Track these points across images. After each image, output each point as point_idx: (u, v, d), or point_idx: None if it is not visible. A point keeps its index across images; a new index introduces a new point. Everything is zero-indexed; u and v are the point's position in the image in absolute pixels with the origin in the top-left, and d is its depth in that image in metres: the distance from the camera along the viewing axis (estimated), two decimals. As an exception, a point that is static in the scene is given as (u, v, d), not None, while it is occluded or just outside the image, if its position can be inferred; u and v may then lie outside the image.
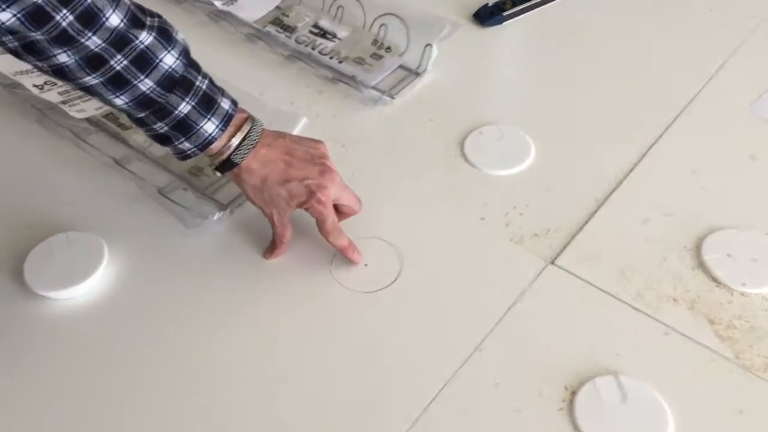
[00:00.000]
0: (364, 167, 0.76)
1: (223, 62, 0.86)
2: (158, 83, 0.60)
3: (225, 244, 0.71)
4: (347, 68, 0.87)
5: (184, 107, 0.61)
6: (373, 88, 0.85)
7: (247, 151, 0.64)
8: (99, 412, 0.59)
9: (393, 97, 0.84)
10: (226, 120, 0.63)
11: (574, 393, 0.58)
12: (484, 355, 0.61)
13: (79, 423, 0.58)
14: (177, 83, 0.61)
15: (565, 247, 0.69)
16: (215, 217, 0.71)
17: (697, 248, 0.68)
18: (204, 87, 0.62)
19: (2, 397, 0.60)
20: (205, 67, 0.65)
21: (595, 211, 0.72)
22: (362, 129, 0.82)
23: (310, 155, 0.67)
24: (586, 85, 0.86)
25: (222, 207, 0.72)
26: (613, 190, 0.73)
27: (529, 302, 0.65)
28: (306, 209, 0.66)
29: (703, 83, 0.84)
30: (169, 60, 0.60)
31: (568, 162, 0.77)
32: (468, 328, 0.63)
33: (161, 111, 0.61)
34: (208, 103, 0.62)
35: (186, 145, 0.63)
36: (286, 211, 0.66)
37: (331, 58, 0.88)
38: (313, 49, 0.89)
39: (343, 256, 0.67)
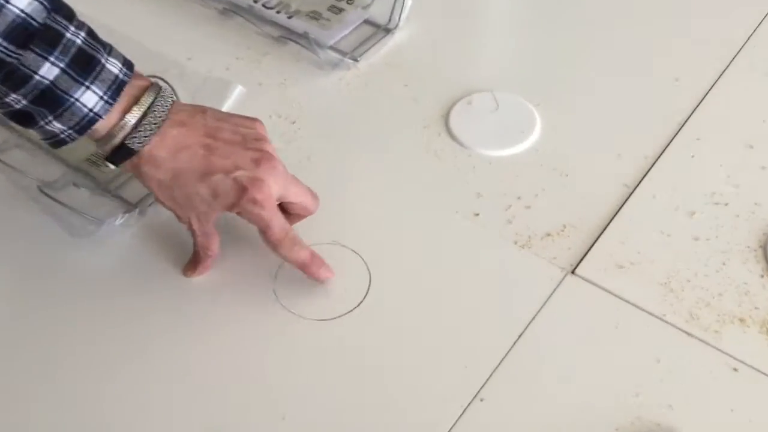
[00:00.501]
0: (320, 150, 0.59)
1: (138, 18, 0.69)
2: (5, 35, 0.41)
3: (132, 258, 0.52)
4: (298, 24, 0.69)
5: (49, 71, 0.43)
6: (332, 48, 0.67)
7: (149, 133, 0.46)
8: None
9: (357, 60, 0.66)
10: (116, 88, 0.45)
11: (614, 462, 0.42)
12: (484, 406, 0.44)
13: None
14: (35, 35, 0.42)
15: (588, 251, 0.51)
16: (118, 221, 0.53)
17: (765, 248, 0.51)
18: (78, 41, 0.44)
19: None
20: (102, 20, 0.48)
21: (625, 201, 0.54)
22: (318, 101, 0.64)
23: (241, 137, 0.49)
24: (603, 38, 0.68)
25: (129, 207, 0.54)
26: (647, 172, 0.56)
27: (543, 329, 0.48)
28: (238, 213, 0.48)
29: (755, 24, 0.67)
30: (20, 1, 0.41)
31: (585, 137, 0.60)
32: (462, 368, 0.46)
33: (14, 77, 0.42)
34: (85, 65, 0.44)
35: (56, 125, 0.45)
36: (209, 215, 0.48)
37: (278, 12, 0.70)
38: (255, 1, 0.71)
39: (306, 274, 0.50)
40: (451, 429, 0.43)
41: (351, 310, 0.49)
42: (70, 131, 0.45)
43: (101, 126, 0.45)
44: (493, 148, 0.59)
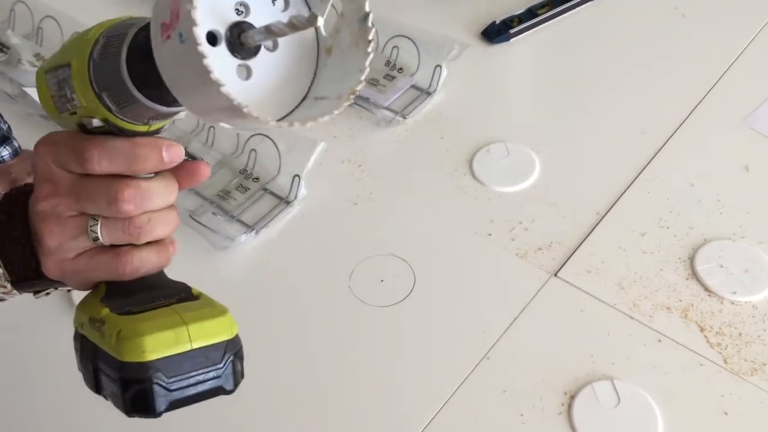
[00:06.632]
0: (380, 186, 0.82)
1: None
2: None
3: (250, 265, 0.77)
4: (362, 90, 0.92)
5: None
6: (387, 108, 0.90)
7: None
8: None
9: (405, 117, 0.89)
10: None
11: (572, 397, 0.64)
12: (491, 363, 0.67)
13: None
14: None
15: (567, 260, 0.74)
16: (242, 239, 0.78)
17: (691, 259, 0.72)
18: None
19: None
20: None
21: (596, 225, 0.76)
22: (377, 149, 0.87)
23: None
24: (589, 100, 0.90)
25: (248, 228, 0.79)
26: (614, 204, 0.78)
27: (533, 313, 0.70)
28: None
29: (701, 96, 0.88)
30: None
31: (571, 177, 0.82)
32: (476, 337, 0.69)
33: None
34: None
35: None
36: None
37: (347, 80, 0.93)
38: (329, 72, 0.95)
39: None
40: (466, 378, 0.66)
41: (402, 300, 0.72)
42: None
43: None
44: (503, 185, 0.82)
